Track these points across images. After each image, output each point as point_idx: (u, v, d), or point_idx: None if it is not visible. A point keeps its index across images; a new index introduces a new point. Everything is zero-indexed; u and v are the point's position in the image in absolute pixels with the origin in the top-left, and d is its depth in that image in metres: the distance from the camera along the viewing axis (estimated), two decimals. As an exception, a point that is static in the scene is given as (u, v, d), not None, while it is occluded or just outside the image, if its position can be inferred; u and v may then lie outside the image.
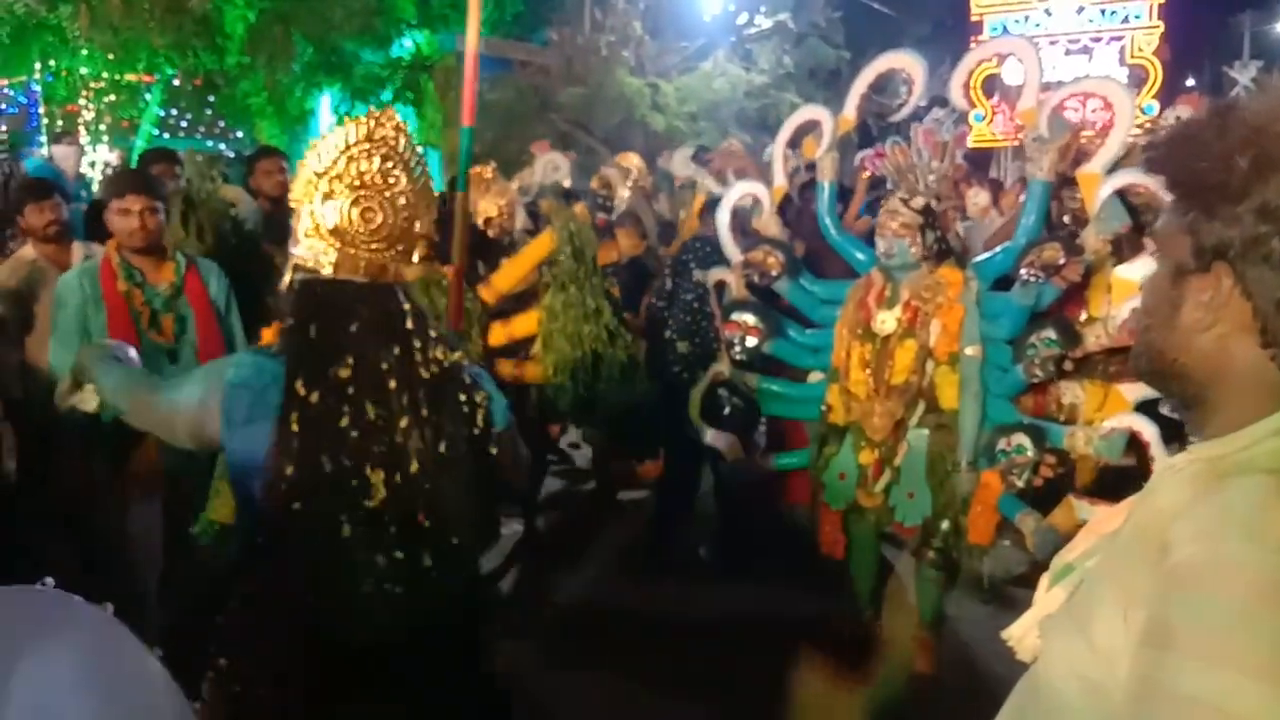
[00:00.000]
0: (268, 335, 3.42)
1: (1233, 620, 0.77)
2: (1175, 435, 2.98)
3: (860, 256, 3.64)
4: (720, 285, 4.03)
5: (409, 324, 1.80)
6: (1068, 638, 0.94)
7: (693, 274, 4.40)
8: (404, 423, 1.75)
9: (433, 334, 1.84)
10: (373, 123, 1.78)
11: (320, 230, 1.77)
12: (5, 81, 11.25)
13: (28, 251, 3.86)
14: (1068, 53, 13.29)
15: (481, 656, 1.95)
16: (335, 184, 1.76)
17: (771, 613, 3.92)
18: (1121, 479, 3.25)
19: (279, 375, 1.73)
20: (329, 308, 1.77)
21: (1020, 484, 3.19)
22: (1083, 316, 3.33)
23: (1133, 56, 12.99)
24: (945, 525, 3.41)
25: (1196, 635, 0.78)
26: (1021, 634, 1.13)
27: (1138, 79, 12.14)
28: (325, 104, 13.65)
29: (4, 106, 11.17)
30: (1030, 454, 3.17)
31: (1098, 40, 13.30)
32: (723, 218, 3.94)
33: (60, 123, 11.63)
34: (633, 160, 6.55)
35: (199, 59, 10.97)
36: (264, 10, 10.83)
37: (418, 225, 1.81)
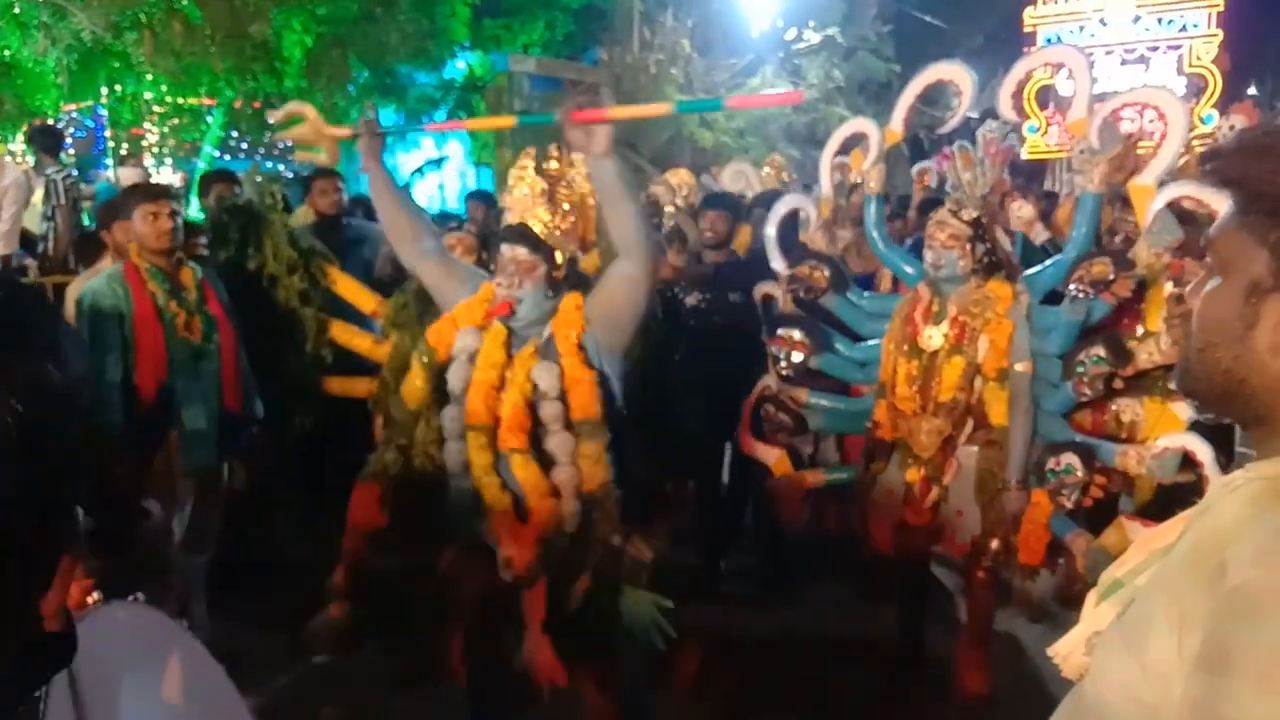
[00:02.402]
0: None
1: None
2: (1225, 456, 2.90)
3: (908, 270, 3.61)
4: (767, 299, 4.02)
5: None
6: (1119, 657, 0.92)
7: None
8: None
9: None
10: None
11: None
12: (73, 106, 11.60)
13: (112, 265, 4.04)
14: (1124, 63, 13.06)
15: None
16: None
17: (819, 631, 3.89)
18: (1180, 500, 3.17)
19: None
20: None
21: (1069, 504, 3.12)
22: (1139, 331, 3.26)
23: (1191, 65, 12.71)
24: (995, 544, 3.35)
25: (1254, 660, 0.76)
26: (1068, 651, 1.10)
27: (1196, 88, 11.87)
28: (380, 125, 13.90)
29: (73, 130, 11.53)
30: (1079, 474, 3.10)
31: (1154, 49, 13.06)
32: (769, 231, 3.94)
33: (125, 146, 11.98)
34: (683, 177, 6.57)
35: (258, 82, 11.22)
36: (321, 35, 11.05)
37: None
